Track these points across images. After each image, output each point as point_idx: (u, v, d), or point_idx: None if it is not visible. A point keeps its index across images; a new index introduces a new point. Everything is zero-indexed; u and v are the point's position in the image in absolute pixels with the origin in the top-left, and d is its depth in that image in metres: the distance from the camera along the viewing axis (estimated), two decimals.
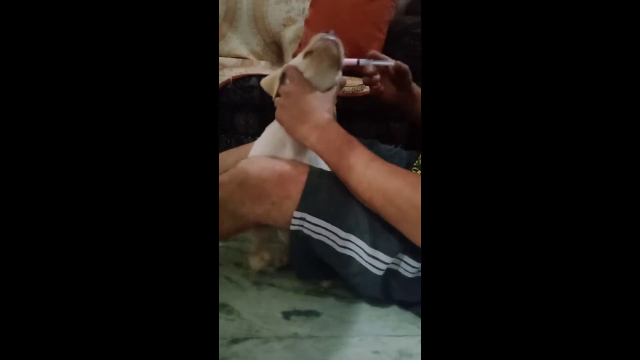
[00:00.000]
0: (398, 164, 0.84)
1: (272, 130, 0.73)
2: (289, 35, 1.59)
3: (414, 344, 0.66)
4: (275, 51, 1.65)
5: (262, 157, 0.69)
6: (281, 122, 0.69)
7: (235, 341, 0.63)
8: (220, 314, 0.69)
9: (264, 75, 1.24)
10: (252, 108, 1.25)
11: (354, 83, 1.29)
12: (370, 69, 0.82)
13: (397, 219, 0.60)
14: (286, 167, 0.67)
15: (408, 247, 0.65)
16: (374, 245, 0.64)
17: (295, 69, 0.69)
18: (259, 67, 1.46)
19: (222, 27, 1.61)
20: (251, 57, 1.63)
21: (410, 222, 0.58)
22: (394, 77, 0.84)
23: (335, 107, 0.71)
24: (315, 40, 0.66)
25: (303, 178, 0.66)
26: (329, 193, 0.65)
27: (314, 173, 0.67)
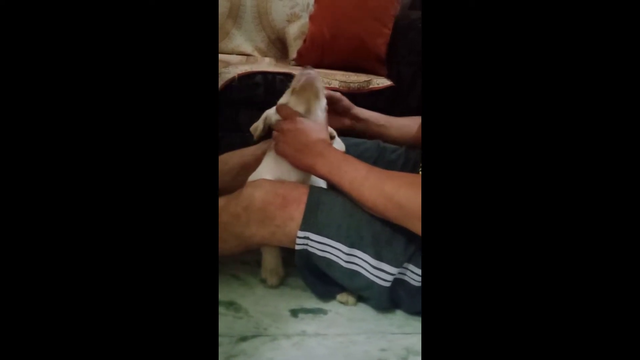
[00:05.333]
0: (403, 164, 0.85)
1: (276, 157, 0.75)
2: (293, 31, 1.58)
3: (420, 342, 0.66)
4: (280, 47, 1.65)
5: (266, 181, 0.71)
6: (284, 156, 0.72)
7: (243, 339, 0.63)
8: (227, 312, 0.69)
9: (269, 73, 1.24)
10: (257, 106, 1.24)
11: (359, 79, 1.28)
12: None
13: (401, 216, 0.62)
14: (288, 190, 0.69)
15: (413, 256, 0.66)
16: (378, 257, 0.66)
17: (286, 106, 0.73)
18: (263, 63, 1.46)
19: (226, 24, 1.61)
20: (256, 53, 1.62)
21: (414, 217, 0.60)
22: (330, 106, 0.87)
23: (328, 129, 0.77)
24: (297, 76, 0.74)
25: (304, 198, 0.68)
26: (330, 211, 0.67)
27: (315, 193, 0.69)
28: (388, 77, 1.36)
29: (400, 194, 0.61)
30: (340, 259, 0.67)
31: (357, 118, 0.91)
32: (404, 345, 0.65)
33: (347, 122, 0.90)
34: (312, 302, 0.73)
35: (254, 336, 0.64)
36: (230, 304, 0.71)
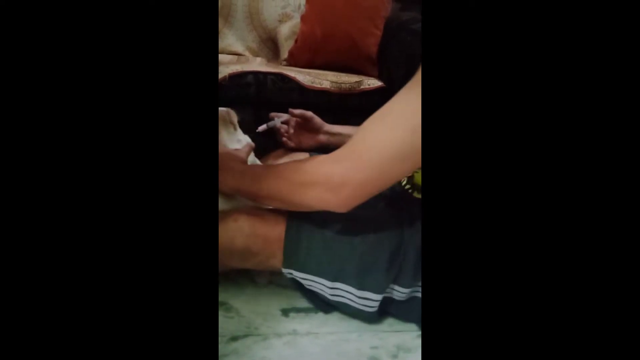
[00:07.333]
0: None
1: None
2: (285, 31, 1.58)
3: (411, 339, 0.66)
4: (271, 47, 1.64)
5: (244, 220, 0.67)
6: None
7: (234, 339, 0.63)
8: (219, 312, 0.69)
9: (260, 72, 1.24)
10: (248, 105, 1.24)
11: (350, 80, 1.29)
12: (279, 127, 0.95)
13: (311, 201, 0.59)
14: (268, 229, 0.67)
15: (396, 278, 0.66)
16: (361, 287, 0.65)
17: None
18: (254, 63, 1.46)
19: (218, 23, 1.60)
20: (247, 53, 1.62)
21: (320, 187, 0.57)
22: (303, 125, 0.94)
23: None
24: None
25: (282, 235, 0.67)
26: (309, 247, 0.66)
27: (292, 229, 0.67)
28: (379, 78, 1.37)
29: (303, 169, 0.59)
30: (325, 292, 0.68)
31: (330, 133, 0.94)
32: (395, 343, 0.65)
33: (322, 138, 0.94)
34: (304, 302, 0.73)
35: (245, 336, 0.64)
36: (221, 304, 0.71)
